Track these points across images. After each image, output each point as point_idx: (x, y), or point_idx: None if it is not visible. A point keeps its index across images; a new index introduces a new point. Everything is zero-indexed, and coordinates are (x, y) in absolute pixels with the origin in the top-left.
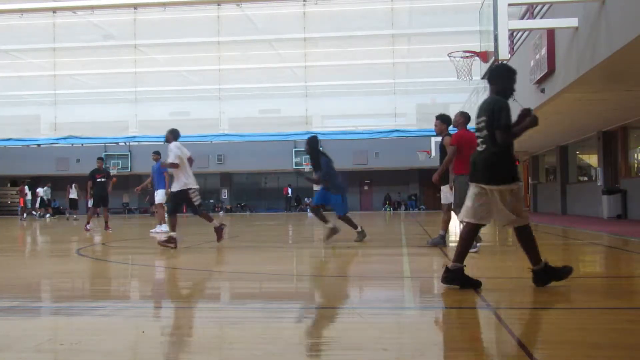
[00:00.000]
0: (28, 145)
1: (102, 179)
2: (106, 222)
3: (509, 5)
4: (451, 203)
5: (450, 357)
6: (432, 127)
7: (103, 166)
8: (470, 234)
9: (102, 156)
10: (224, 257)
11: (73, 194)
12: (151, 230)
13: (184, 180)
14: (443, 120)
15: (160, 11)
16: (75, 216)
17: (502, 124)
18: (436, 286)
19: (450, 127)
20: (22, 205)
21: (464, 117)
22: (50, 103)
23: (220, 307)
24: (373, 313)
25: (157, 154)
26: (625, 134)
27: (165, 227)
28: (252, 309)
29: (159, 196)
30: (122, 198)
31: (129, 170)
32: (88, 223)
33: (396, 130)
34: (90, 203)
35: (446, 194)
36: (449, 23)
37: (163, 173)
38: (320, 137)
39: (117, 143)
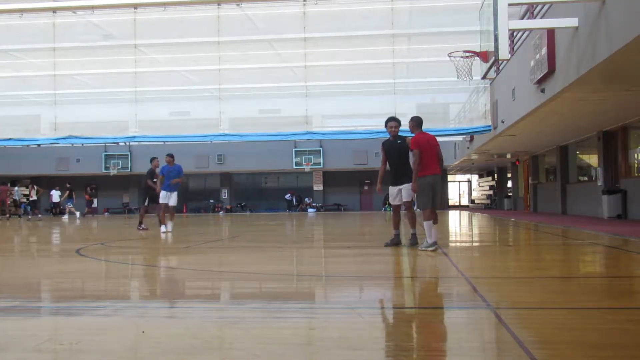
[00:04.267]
0: (28, 145)
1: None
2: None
3: (509, 5)
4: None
5: (450, 357)
6: (433, 126)
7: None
8: None
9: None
10: (224, 257)
11: (33, 195)
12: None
13: None
14: (399, 122)
15: (160, 11)
16: (39, 215)
17: None
18: (436, 286)
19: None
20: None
21: (414, 121)
22: (50, 103)
23: (220, 307)
24: (373, 313)
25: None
26: (625, 134)
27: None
28: (252, 309)
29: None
30: (122, 198)
31: (129, 170)
32: (141, 223)
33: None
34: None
35: (396, 196)
36: (449, 23)
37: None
38: (320, 137)
39: (117, 143)
